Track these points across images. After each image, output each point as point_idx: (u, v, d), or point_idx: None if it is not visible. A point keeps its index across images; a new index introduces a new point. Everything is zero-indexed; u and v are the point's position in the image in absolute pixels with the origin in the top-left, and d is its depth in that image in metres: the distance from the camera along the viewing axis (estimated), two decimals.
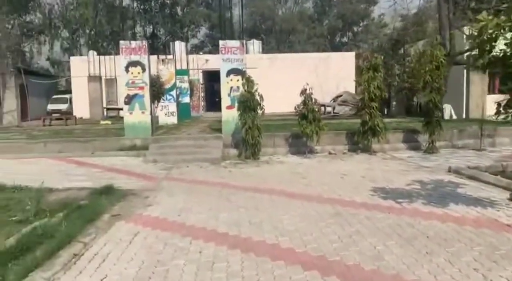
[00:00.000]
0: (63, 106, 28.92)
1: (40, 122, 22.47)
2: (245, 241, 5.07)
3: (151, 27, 50.42)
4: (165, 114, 19.06)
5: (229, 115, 13.04)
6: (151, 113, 13.45)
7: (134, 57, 12.92)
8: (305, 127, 11.84)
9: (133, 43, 13.03)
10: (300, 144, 12.72)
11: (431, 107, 12.43)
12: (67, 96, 30.72)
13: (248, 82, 11.88)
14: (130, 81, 13.02)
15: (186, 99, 21.77)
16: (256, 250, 4.74)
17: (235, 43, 12.97)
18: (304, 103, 12.03)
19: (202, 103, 29.55)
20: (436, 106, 12.46)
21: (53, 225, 5.59)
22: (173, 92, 19.17)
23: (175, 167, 10.83)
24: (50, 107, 29.40)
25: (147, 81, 13.15)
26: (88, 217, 6.04)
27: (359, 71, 29.42)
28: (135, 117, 13.12)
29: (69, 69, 34.57)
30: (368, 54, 12.78)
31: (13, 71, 31.46)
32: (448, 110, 20.22)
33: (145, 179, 9.32)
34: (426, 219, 5.81)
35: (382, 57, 12.73)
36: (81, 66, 28.06)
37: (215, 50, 46.91)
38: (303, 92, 12.04)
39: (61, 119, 22.59)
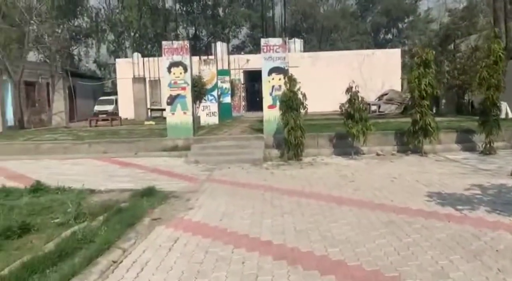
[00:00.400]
0: (109, 107, 29.65)
1: (87, 123, 23.08)
2: (292, 251, 4.69)
3: (193, 28, 50.99)
4: (207, 114, 19.00)
5: (271, 114, 12.69)
6: (192, 114, 13.34)
7: (176, 57, 12.84)
8: (351, 127, 11.30)
9: (175, 43, 12.95)
10: (345, 144, 12.19)
11: (488, 105, 11.54)
12: (113, 97, 31.52)
13: (291, 80, 11.49)
14: (172, 82, 12.95)
15: (227, 99, 21.63)
16: (304, 262, 4.36)
17: (277, 41, 12.60)
18: (350, 101, 11.48)
19: (243, 103, 29.43)
20: (494, 104, 11.55)
21: (93, 229, 5.45)
22: (215, 92, 19.08)
23: (216, 168, 10.62)
24: (97, 108, 30.22)
25: (189, 81, 13.04)
26: (129, 221, 5.86)
27: (405, 68, 28.42)
28: (177, 117, 13.03)
29: (115, 71, 35.50)
30: (419, 49, 11.98)
31: (62, 74, 32.68)
32: (504, 108, 18.89)
33: (186, 181, 9.14)
34: (493, 230, 5.21)
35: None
36: (126, 68, 28.66)
37: (256, 50, 46.75)
38: (349, 90, 11.50)
39: (106, 120, 23.09)
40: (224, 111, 20.69)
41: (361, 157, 11.72)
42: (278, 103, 12.06)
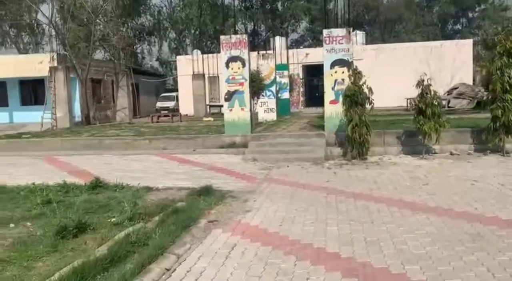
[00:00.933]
0: (171, 104, 30.22)
1: (149, 119, 23.59)
2: (363, 267, 4.11)
3: (252, 23, 50.85)
4: (265, 110, 18.60)
5: (333, 110, 11.99)
6: (250, 110, 12.96)
7: (234, 52, 12.51)
8: (423, 123, 10.36)
9: (233, 38, 12.62)
10: (415, 143, 11.24)
11: None
12: (174, 94, 32.12)
13: (356, 74, 10.75)
14: (230, 77, 12.65)
15: (286, 95, 21.12)
16: None
17: (340, 31, 11.85)
18: (421, 95, 10.53)
19: (302, 99, 28.78)
20: None
21: (147, 231, 5.19)
22: (273, 88, 18.62)
23: (275, 166, 10.16)
24: (159, 104, 30.94)
25: (247, 76, 12.67)
26: (184, 223, 5.55)
27: (477, 59, 26.28)
28: (235, 114, 12.72)
29: (176, 68, 36.21)
30: (502, 37, 10.72)
31: (126, 71, 33.69)
32: None
33: (244, 179, 8.77)
34: None
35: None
36: (186, 65, 29.03)
37: (315, 44, 45.75)
38: (420, 83, 10.56)
39: (167, 116, 23.46)
40: (282, 107, 20.20)
41: (433, 156, 10.74)
42: (341, 98, 11.36)
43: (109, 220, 5.99)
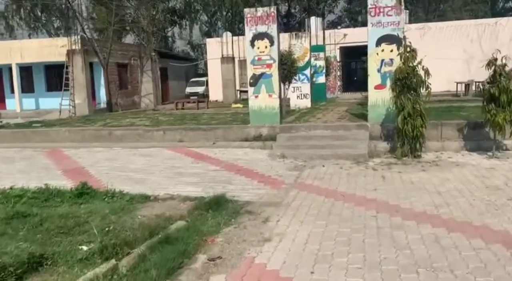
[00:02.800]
0: (200, 89, 28.81)
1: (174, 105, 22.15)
2: None
3: (286, 4, 48.41)
4: (297, 96, 16.66)
5: (378, 97, 9.99)
6: (280, 96, 11.12)
7: (261, 28, 10.66)
8: (495, 113, 8.22)
9: (260, 10, 10.73)
10: (481, 136, 9.16)
11: None
12: (203, 79, 30.70)
13: (409, 52, 8.69)
14: (256, 58, 10.83)
15: (321, 79, 19.01)
16: None
17: (389, 0, 9.73)
18: (493, 78, 8.37)
19: (339, 83, 26.51)
20: None
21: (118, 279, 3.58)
22: (307, 71, 16.61)
23: (307, 166, 8.34)
24: (188, 90, 29.67)
25: (276, 57, 10.80)
26: (173, 263, 3.88)
27: None
28: (262, 101, 10.94)
29: (206, 52, 34.67)
30: None
31: (154, 56, 32.49)
32: None
33: (268, 184, 7.02)
34: None
35: None
36: (215, 48, 27.33)
37: (353, 25, 43.00)
38: (492, 62, 8.39)
39: (194, 102, 21.94)
40: (317, 93, 18.14)
41: (505, 154, 8.60)
42: (388, 82, 9.35)
43: (80, 247, 4.43)
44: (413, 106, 8.53)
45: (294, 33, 17.70)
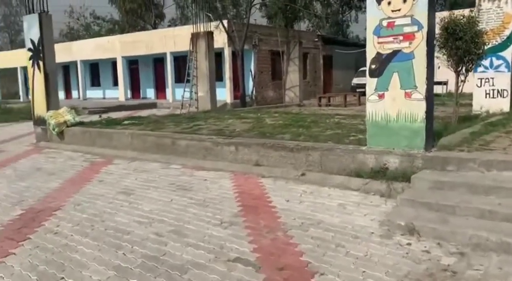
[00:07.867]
0: None
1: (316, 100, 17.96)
2: None
3: None
4: (487, 93, 10.49)
5: None
6: (427, 95, 5.79)
7: None
8: None
9: None
10: None
11: None
12: None
13: None
14: (384, 23, 5.83)
15: None
16: None
17: None
18: None
19: None
20: None
21: None
22: (506, 53, 10.26)
23: (468, 267, 3.24)
24: (355, 81, 25.41)
25: (424, 21, 5.56)
26: None
27: None
28: (390, 103, 5.89)
29: None
30: None
31: (317, 41, 28.70)
32: None
33: None
34: None
35: None
36: None
37: None
38: None
39: (354, 96, 17.45)
40: None
41: None
42: None
43: None
44: None
45: None
